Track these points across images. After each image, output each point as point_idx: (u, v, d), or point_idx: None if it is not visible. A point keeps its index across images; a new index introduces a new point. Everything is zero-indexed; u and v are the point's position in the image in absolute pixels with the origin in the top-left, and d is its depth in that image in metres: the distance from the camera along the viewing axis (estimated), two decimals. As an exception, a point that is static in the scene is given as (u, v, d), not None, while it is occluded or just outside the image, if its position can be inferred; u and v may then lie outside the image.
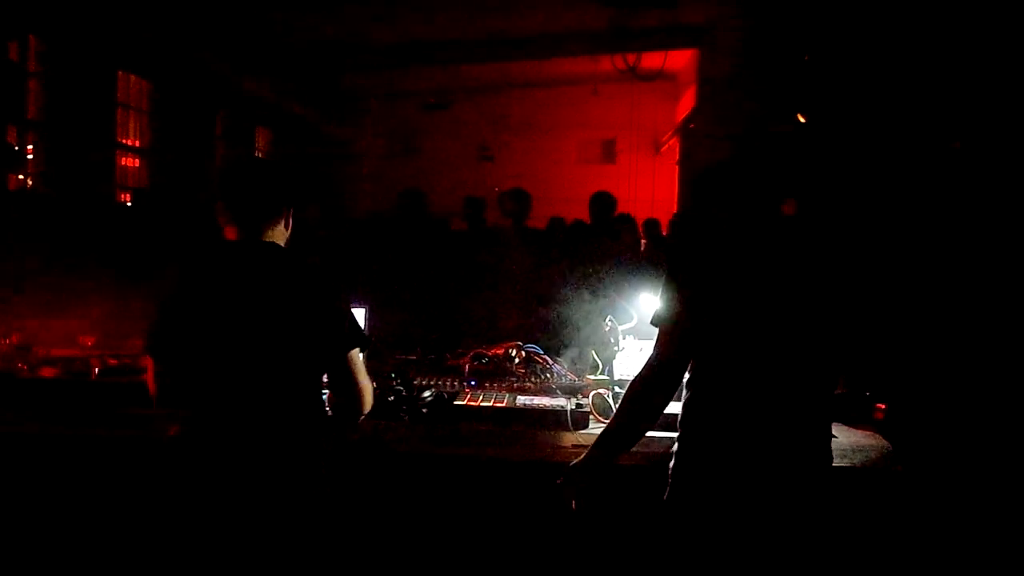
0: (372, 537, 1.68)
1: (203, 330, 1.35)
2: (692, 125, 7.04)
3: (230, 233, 1.42)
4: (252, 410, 1.35)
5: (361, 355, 1.42)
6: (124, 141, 5.48)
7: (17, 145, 4.06)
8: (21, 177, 4.30)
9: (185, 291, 1.37)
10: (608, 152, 9.87)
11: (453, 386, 2.04)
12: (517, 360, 2.22)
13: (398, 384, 1.96)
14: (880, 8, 3.06)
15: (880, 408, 1.92)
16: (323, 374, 1.41)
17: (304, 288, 1.37)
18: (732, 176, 1.38)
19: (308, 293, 1.37)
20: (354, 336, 1.40)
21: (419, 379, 2.07)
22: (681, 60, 7.46)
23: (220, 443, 1.35)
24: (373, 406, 1.83)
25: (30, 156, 4.34)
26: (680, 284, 1.29)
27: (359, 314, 2.12)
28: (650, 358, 1.31)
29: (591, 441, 1.43)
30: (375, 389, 1.80)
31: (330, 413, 1.48)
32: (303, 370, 1.38)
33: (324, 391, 1.46)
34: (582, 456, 1.38)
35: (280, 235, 1.43)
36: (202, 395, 1.37)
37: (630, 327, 1.99)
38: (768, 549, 1.28)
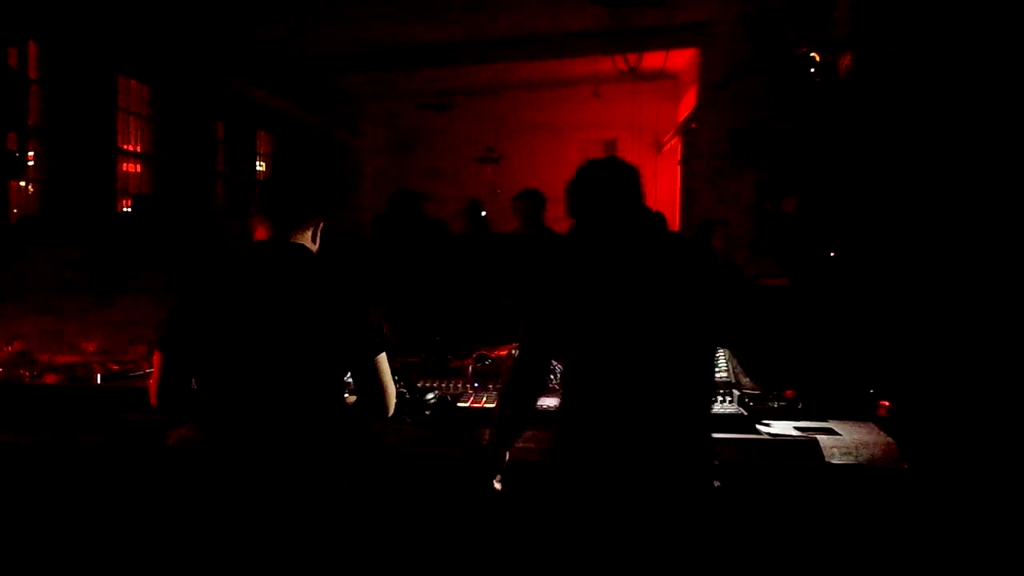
0: (376, 538, 1.67)
1: (225, 324, 1.33)
2: (694, 125, 7.03)
3: (260, 235, 1.43)
4: (274, 406, 1.34)
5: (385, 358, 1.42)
6: (125, 147, 5.49)
7: (18, 152, 4.06)
8: (23, 184, 4.31)
9: (205, 287, 1.36)
10: (610, 152, 9.84)
11: (456, 388, 2.03)
12: (520, 361, 2.21)
13: (401, 386, 1.95)
14: (881, 3, 3.05)
15: (884, 404, 1.91)
16: (345, 375, 1.41)
17: (333, 289, 1.37)
18: (588, 181, 1.42)
19: (337, 295, 1.37)
20: (382, 340, 1.41)
21: (422, 381, 2.06)
22: (682, 60, 7.44)
23: (241, 441, 1.34)
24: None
25: (31, 163, 4.35)
26: (540, 283, 1.34)
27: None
28: (516, 354, 1.37)
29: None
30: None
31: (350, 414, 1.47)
32: (327, 370, 1.37)
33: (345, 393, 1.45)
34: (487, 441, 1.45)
35: (307, 242, 1.44)
36: (221, 391, 1.35)
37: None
38: (637, 548, 1.28)
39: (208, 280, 1.37)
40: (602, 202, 1.36)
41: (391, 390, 1.43)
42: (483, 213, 3.90)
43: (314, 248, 1.45)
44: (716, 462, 1.34)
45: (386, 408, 1.43)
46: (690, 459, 1.30)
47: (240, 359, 1.34)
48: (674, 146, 8.41)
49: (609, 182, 1.38)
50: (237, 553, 1.32)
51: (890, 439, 1.76)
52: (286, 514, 1.33)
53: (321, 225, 1.46)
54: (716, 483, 1.33)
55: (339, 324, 1.35)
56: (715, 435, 1.70)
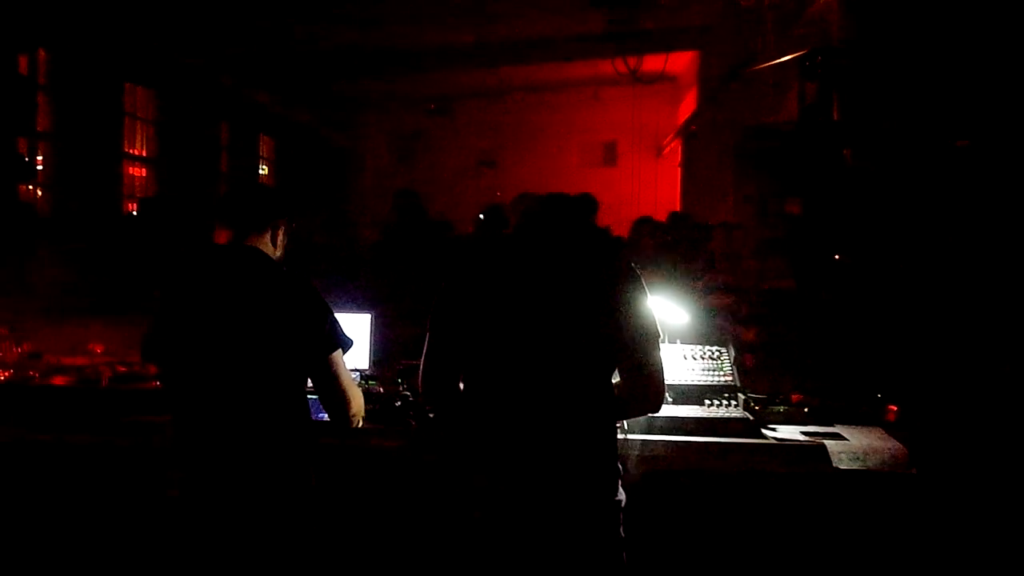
0: (378, 541, 1.67)
1: (186, 331, 1.38)
2: (693, 127, 7.04)
3: (221, 240, 1.47)
4: (233, 411, 1.36)
5: (344, 358, 1.41)
6: (131, 151, 5.52)
7: (27, 156, 4.09)
8: (32, 187, 4.34)
9: (172, 295, 1.41)
10: (610, 155, 9.87)
11: (460, 390, 2.03)
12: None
13: (405, 390, 1.96)
14: (883, 5, 3.04)
15: (892, 409, 1.91)
16: (305, 377, 1.41)
17: (280, 288, 1.38)
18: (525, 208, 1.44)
19: (284, 293, 1.38)
20: (334, 337, 1.39)
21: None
22: (682, 62, 7.47)
23: (204, 446, 1.36)
24: (380, 411, 1.83)
25: (40, 167, 4.38)
26: (446, 289, 1.36)
27: (364, 320, 2.14)
28: (422, 360, 1.37)
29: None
30: (382, 395, 1.79)
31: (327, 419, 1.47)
32: (283, 371, 1.38)
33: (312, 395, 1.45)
34: None
35: (267, 247, 1.46)
36: (187, 396, 1.38)
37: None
38: (524, 559, 1.26)
39: (174, 285, 1.41)
40: (528, 222, 1.39)
41: (352, 394, 1.41)
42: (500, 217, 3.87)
43: (274, 251, 1.46)
44: (621, 472, 1.31)
45: (347, 410, 1.40)
46: (582, 473, 1.26)
47: (199, 362, 1.36)
48: (674, 148, 8.42)
49: (539, 208, 1.40)
50: (207, 553, 1.34)
51: (899, 444, 1.74)
52: (250, 514, 1.33)
53: (282, 229, 1.48)
54: (620, 497, 1.28)
55: (286, 323, 1.35)
56: (720, 440, 1.72)
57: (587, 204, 3.11)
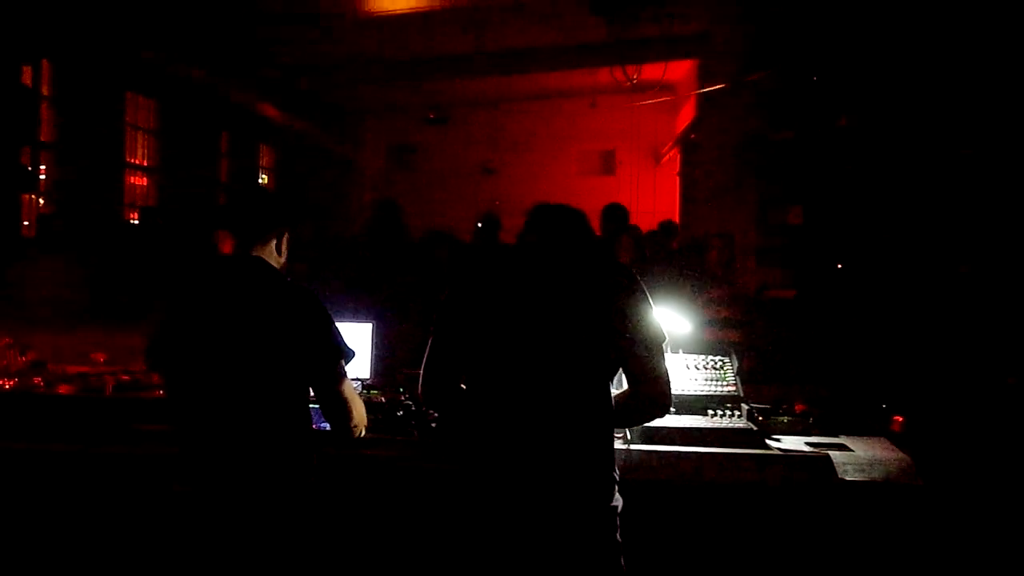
0: (380, 551, 1.67)
1: (190, 341, 1.39)
2: (692, 136, 7.08)
3: (226, 249, 1.49)
4: (235, 420, 1.36)
5: (346, 368, 1.42)
6: (132, 160, 5.54)
7: (30, 166, 4.11)
8: (33, 197, 4.35)
9: (177, 305, 1.42)
10: (608, 164, 9.91)
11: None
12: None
13: (407, 399, 1.96)
14: (886, 13, 3.05)
15: (897, 420, 1.90)
16: (307, 387, 1.42)
17: (283, 299, 1.40)
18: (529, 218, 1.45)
19: (287, 304, 1.39)
20: (337, 348, 1.40)
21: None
22: (681, 71, 7.51)
23: (206, 455, 1.37)
24: (382, 421, 1.83)
25: (42, 177, 4.40)
26: (451, 296, 1.38)
27: (366, 330, 2.15)
28: (424, 364, 1.39)
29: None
30: (385, 405, 1.78)
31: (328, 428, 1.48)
32: (285, 381, 1.38)
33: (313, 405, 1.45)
34: None
35: (271, 255, 1.47)
36: (190, 405, 1.39)
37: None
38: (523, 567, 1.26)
39: (178, 294, 1.42)
40: (531, 232, 1.41)
41: (354, 404, 1.42)
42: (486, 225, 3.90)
43: (278, 259, 1.48)
44: (617, 478, 1.31)
45: (348, 420, 1.41)
46: (579, 478, 1.27)
47: (199, 370, 1.38)
48: (673, 157, 8.46)
49: (543, 218, 1.42)
50: (207, 560, 1.34)
51: (905, 455, 1.73)
52: (252, 523, 1.34)
53: (286, 237, 1.49)
54: (616, 503, 1.28)
55: (288, 334, 1.37)
56: (724, 450, 1.72)
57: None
